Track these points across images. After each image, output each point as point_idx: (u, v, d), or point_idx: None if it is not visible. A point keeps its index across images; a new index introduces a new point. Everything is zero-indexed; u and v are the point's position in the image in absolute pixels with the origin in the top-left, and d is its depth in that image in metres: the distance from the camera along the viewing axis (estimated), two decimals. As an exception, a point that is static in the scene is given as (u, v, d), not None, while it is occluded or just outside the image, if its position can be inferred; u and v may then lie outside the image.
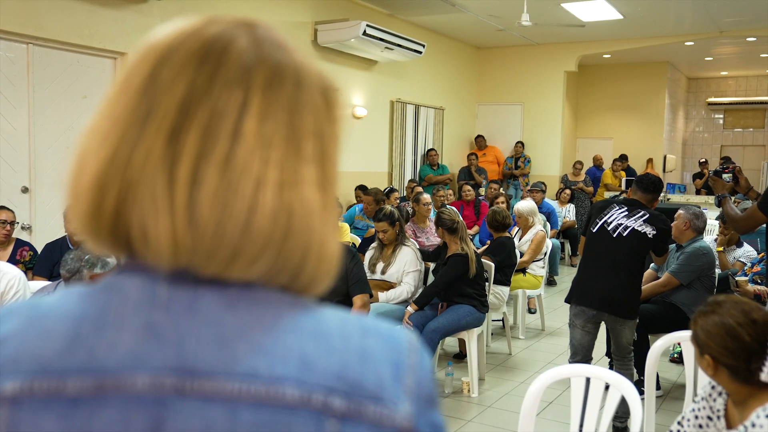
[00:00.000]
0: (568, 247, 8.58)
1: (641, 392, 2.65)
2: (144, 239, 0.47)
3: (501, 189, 7.99)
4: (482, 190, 8.62)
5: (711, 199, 8.13)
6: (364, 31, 6.89)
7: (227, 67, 0.48)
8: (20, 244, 3.74)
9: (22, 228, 4.66)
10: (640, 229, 3.28)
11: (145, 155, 0.47)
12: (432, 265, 4.56)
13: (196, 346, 0.47)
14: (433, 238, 5.59)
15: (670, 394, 4.04)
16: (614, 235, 3.30)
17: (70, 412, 0.45)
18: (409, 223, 5.76)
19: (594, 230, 3.40)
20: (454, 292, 4.00)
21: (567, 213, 8.49)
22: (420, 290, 4.16)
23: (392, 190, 7.30)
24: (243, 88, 0.48)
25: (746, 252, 4.86)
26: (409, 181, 8.52)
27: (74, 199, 0.50)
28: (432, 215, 5.88)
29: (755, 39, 9.29)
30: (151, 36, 0.52)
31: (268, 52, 0.50)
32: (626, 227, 3.31)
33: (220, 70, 0.48)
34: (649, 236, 3.27)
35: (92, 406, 0.45)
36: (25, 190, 4.69)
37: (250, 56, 0.49)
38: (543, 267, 5.53)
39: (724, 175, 3.45)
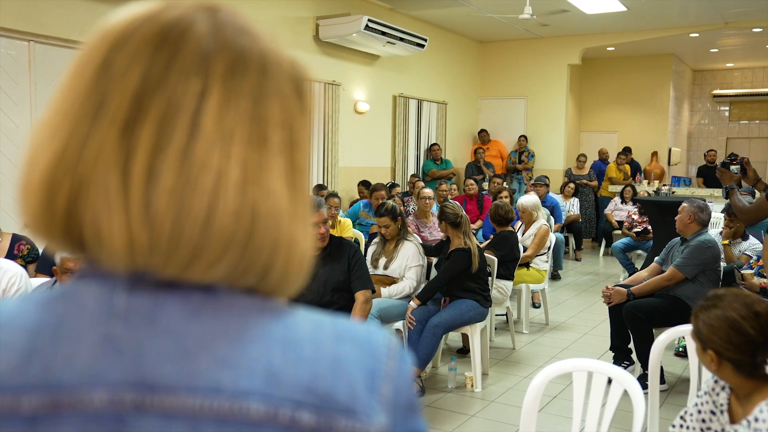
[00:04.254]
0: (572, 241, 8.55)
1: (645, 386, 2.64)
2: (97, 239, 0.44)
3: (504, 183, 7.96)
4: (485, 185, 8.59)
5: (716, 192, 8.08)
6: (366, 25, 6.87)
7: (184, 54, 0.45)
8: (17, 238, 3.73)
9: (25, 226, 4.66)
10: None
11: (97, 150, 0.44)
12: (435, 260, 4.54)
13: (156, 359, 0.44)
14: (436, 233, 5.58)
15: (675, 389, 4.02)
16: None
17: (26, 431, 0.43)
18: (411, 218, 5.75)
19: None
20: (457, 287, 3.98)
21: (571, 207, 8.46)
22: (422, 285, 4.15)
23: (394, 185, 7.28)
24: (202, 76, 0.45)
25: (752, 245, 4.82)
26: (411, 176, 8.50)
27: (25, 196, 0.47)
28: (434, 210, 5.86)
29: (761, 30, 9.20)
30: (106, 21, 0.48)
31: (230, 37, 0.47)
32: None
33: (177, 58, 0.45)
34: None
35: (48, 424, 0.43)
36: (27, 187, 4.69)
37: (209, 42, 0.46)
38: (547, 261, 5.50)
39: (732, 167, 3.42)
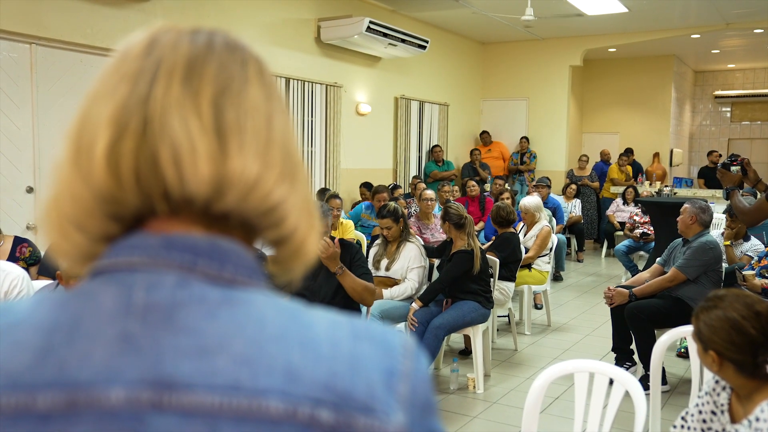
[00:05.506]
0: (574, 242, 8.55)
1: (647, 387, 2.63)
2: (178, 164, 0.47)
3: (506, 185, 7.96)
4: (487, 186, 8.59)
5: (717, 192, 8.07)
6: (368, 27, 6.87)
7: (219, 36, 0.53)
8: (19, 241, 3.74)
9: (27, 228, 4.68)
10: None
11: (164, 92, 0.48)
12: (437, 262, 4.54)
13: (174, 357, 0.44)
14: (438, 235, 5.58)
15: (677, 389, 4.02)
16: None
17: (40, 429, 0.42)
18: (413, 220, 5.75)
19: None
20: (459, 289, 3.98)
21: (573, 208, 8.45)
22: (424, 287, 4.15)
23: (396, 187, 7.28)
24: (239, 52, 0.53)
25: (753, 246, 4.82)
26: (413, 177, 8.50)
27: (89, 139, 0.49)
28: (436, 211, 5.86)
29: (762, 31, 9.20)
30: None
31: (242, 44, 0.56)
32: None
33: (215, 38, 0.52)
34: None
35: (64, 423, 0.43)
36: (29, 189, 4.70)
37: (233, 37, 0.54)
38: (549, 262, 5.50)
39: (733, 168, 3.41)
